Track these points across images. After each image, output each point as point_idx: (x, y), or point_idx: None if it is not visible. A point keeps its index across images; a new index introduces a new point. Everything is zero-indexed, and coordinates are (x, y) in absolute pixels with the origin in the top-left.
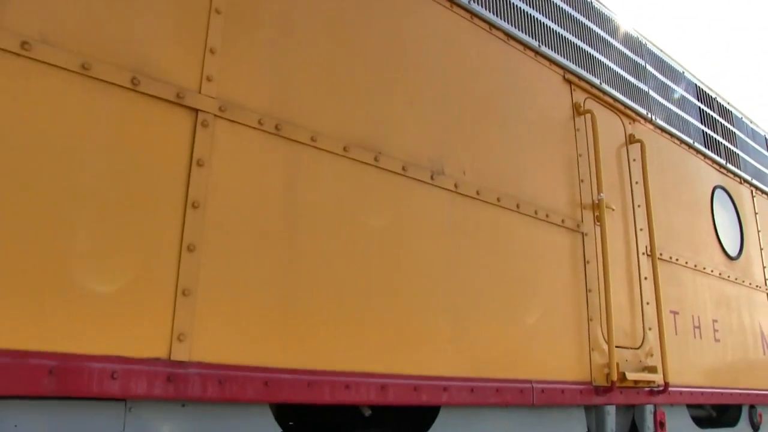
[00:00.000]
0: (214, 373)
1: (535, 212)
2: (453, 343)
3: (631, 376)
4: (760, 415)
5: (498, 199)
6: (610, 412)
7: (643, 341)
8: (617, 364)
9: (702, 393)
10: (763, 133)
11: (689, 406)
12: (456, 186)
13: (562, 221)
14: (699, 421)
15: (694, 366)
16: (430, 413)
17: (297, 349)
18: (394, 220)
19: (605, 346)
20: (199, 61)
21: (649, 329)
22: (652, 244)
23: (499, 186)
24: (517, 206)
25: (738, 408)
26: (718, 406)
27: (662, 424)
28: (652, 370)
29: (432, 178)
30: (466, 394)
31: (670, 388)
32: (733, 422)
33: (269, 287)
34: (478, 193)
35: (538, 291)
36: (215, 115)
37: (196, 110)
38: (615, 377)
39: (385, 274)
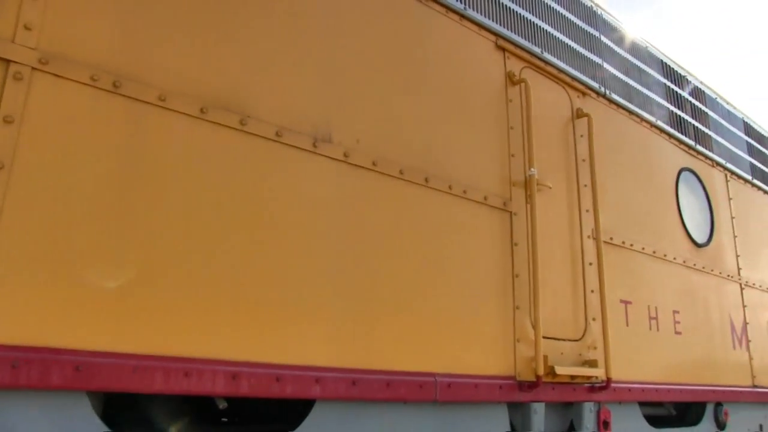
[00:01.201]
0: (7, 356)
1: (449, 188)
2: (335, 328)
3: (563, 370)
4: (726, 413)
5: (401, 172)
6: (538, 410)
7: (584, 333)
8: (545, 357)
9: (657, 390)
10: (740, 116)
11: (645, 405)
12: (346, 155)
13: (485, 198)
14: (657, 421)
15: (649, 361)
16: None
17: (121, 330)
18: (265, 191)
19: (534, 337)
20: (14, 7)
21: (593, 320)
22: (597, 226)
23: (404, 158)
24: (426, 180)
25: (702, 406)
26: (682, 404)
27: (606, 424)
28: (593, 364)
29: (315, 145)
30: (345, 387)
31: (614, 385)
32: (696, 421)
33: (95, 257)
34: (374, 164)
35: (451, 274)
36: (33, 68)
37: (8, 61)
38: (541, 371)
39: (248, 248)
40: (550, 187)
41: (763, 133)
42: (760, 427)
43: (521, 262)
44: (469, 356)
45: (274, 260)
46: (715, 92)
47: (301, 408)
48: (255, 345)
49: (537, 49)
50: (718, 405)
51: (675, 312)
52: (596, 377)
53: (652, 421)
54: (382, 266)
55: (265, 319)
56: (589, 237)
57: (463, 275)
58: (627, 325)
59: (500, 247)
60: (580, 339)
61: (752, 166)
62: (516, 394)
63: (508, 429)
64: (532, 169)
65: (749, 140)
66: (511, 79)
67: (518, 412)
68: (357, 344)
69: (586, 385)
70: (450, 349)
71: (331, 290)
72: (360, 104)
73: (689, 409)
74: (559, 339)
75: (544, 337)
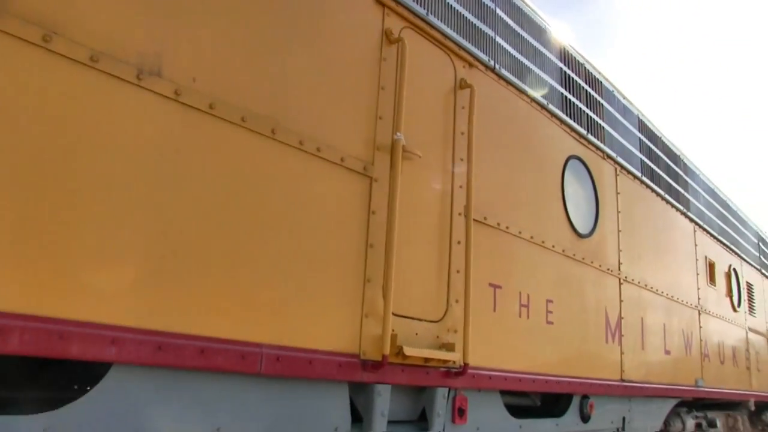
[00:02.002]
0: None
1: (300, 143)
2: (143, 285)
3: (413, 351)
4: (591, 406)
5: (243, 119)
6: (382, 392)
7: (445, 314)
8: (394, 336)
9: (520, 380)
10: (636, 112)
11: (508, 394)
12: (177, 93)
13: (341, 160)
14: (521, 411)
15: (516, 349)
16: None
17: None
18: (74, 123)
19: (391, 315)
20: None
21: (456, 301)
22: (469, 203)
23: (249, 104)
24: (273, 132)
25: (569, 397)
26: (550, 395)
27: (462, 411)
28: (450, 348)
29: (139, 78)
30: (149, 352)
31: (472, 371)
32: (561, 413)
33: None
34: (211, 107)
35: (293, 238)
36: None
37: None
38: (387, 351)
39: (37, 183)
40: (420, 156)
41: (655, 131)
42: (623, 419)
43: (377, 233)
44: (308, 329)
45: (67, 198)
46: (612, 85)
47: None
48: (33, 296)
49: (422, 10)
50: (585, 397)
51: (548, 301)
52: (452, 362)
53: (515, 410)
54: (211, 222)
55: (48, 267)
56: (460, 214)
57: (308, 240)
58: (494, 311)
59: (355, 213)
60: (440, 320)
61: (642, 163)
62: (358, 374)
63: (348, 410)
64: (398, 134)
65: (642, 137)
66: (388, 38)
67: (362, 393)
68: (169, 305)
69: (442, 369)
70: (284, 320)
71: (143, 242)
72: (202, 41)
73: (555, 401)
74: (414, 318)
75: (397, 315)
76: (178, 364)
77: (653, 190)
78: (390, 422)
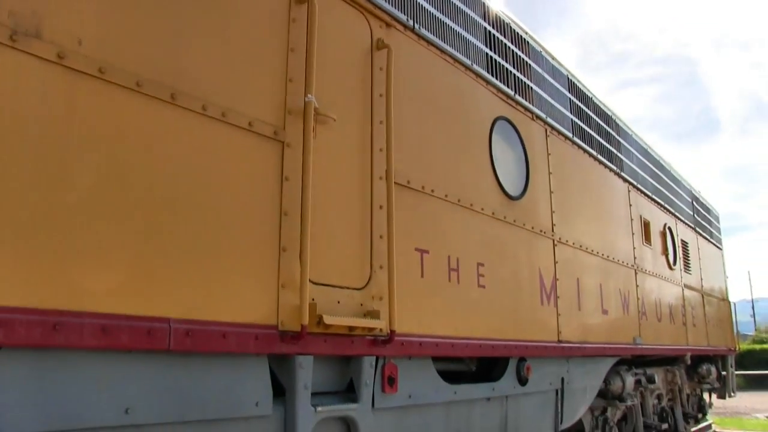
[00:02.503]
0: None
1: (203, 108)
2: (30, 261)
3: (334, 320)
4: (528, 368)
5: (138, 84)
6: (304, 364)
7: (369, 281)
8: (313, 305)
9: (453, 345)
10: (565, 72)
11: (442, 360)
12: (61, 57)
13: (249, 125)
14: (456, 377)
15: (448, 314)
16: None
17: None
18: None
19: (308, 284)
20: None
21: (380, 267)
22: (389, 167)
23: (145, 69)
24: (172, 97)
25: (505, 361)
26: (486, 359)
27: (392, 380)
28: (375, 315)
29: (12, 39)
30: (43, 332)
31: (401, 338)
32: (498, 377)
33: None
34: (101, 71)
35: (199, 208)
36: None
37: None
38: (306, 320)
39: None
40: (335, 119)
41: (586, 92)
42: (562, 380)
43: (292, 200)
44: (222, 302)
45: None
46: (540, 45)
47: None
48: None
49: None
50: (521, 360)
51: (479, 264)
52: (379, 329)
53: (450, 377)
54: (106, 193)
55: None
56: (381, 178)
57: (216, 209)
58: (422, 276)
59: (267, 180)
60: (364, 288)
61: (574, 124)
62: (277, 346)
63: (268, 384)
64: (309, 96)
65: (572, 98)
66: None
67: (284, 366)
68: (63, 283)
69: (368, 338)
70: (195, 293)
71: (28, 214)
72: (85, 3)
73: (491, 365)
74: (336, 286)
75: (316, 284)
76: (78, 344)
77: (585, 151)
78: (317, 394)
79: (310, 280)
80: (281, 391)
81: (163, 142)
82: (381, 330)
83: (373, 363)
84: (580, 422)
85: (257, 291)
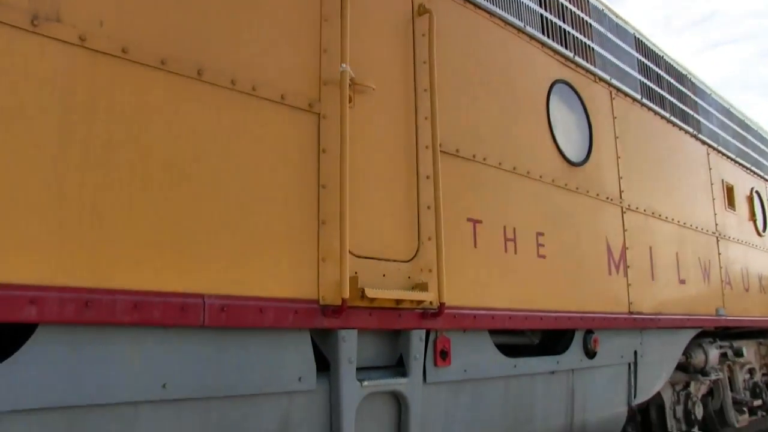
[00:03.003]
0: None
1: (232, 83)
2: (60, 239)
3: (376, 293)
4: (596, 341)
5: (163, 62)
6: (347, 338)
7: (416, 253)
8: (355, 278)
9: (510, 317)
10: (631, 31)
11: (501, 333)
12: (83, 39)
13: (282, 97)
14: (517, 350)
15: (504, 286)
16: None
17: None
18: None
19: (348, 256)
20: None
21: (428, 239)
22: (435, 135)
23: (169, 46)
24: (199, 73)
25: (570, 334)
26: (548, 331)
27: (444, 353)
28: (423, 287)
29: (33, 23)
30: (76, 310)
31: (453, 311)
32: (562, 350)
33: None
34: (125, 51)
35: (233, 184)
36: None
37: None
38: (346, 294)
39: None
40: (374, 88)
41: (656, 50)
42: (635, 353)
43: (329, 172)
44: (259, 277)
45: None
46: (602, 3)
47: None
48: None
49: None
50: (588, 332)
51: (539, 234)
52: (428, 302)
53: (512, 350)
54: (139, 172)
55: None
56: (427, 148)
57: (251, 183)
58: (475, 247)
59: (303, 153)
60: (411, 260)
61: (642, 85)
62: (318, 320)
63: (311, 359)
64: (344, 65)
65: (640, 57)
66: None
67: (327, 340)
68: (95, 260)
69: (417, 311)
70: (232, 269)
71: (57, 194)
72: None
73: (556, 338)
74: (381, 259)
75: (359, 257)
76: (110, 320)
77: (656, 113)
78: (365, 369)
79: (352, 254)
80: (328, 366)
81: (192, 119)
82: (431, 303)
83: (423, 337)
84: (659, 396)
85: (296, 265)
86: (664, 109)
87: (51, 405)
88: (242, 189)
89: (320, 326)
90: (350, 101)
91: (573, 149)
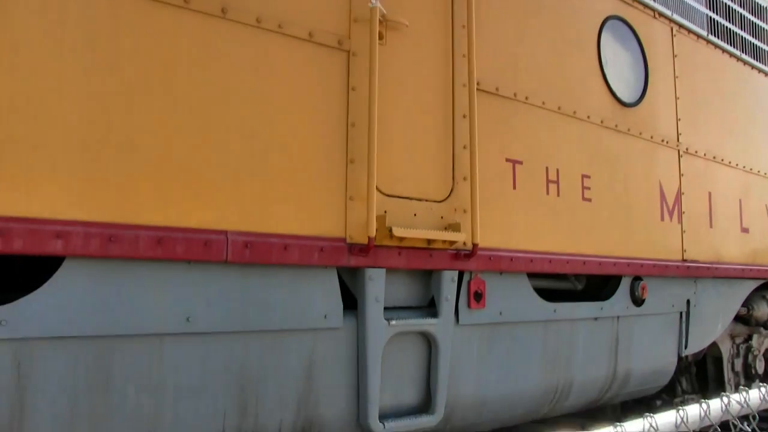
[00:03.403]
0: None
1: (257, 21)
2: (85, 176)
3: (404, 232)
4: (644, 288)
5: (186, 1)
6: (374, 276)
7: (451, 193)
8: (382, 217)
9: (550, 261)
10: None
11: (543, 277)
12: None
13: (310, 35)
14: (559, 295)
15: (544, 228)
16: None
17: None
18: None
19: (377, 195)
20: None
21: (464, 179)
22: (471, 73)
23: None
24: (223, 11)
25: (617, 280)
26: (594, 277)
27: (478, 295)
28: (456, 228)
29: None
30: (100, 244)
31: (487, 252)
32: (607, 296)
33: None
34: None
35: (261, 120)
36: None
37: None
38: (373, 232)
39: None
40: (407, 25)
41: None
42: (688, 302)
43: (359, 110)
44: (284, 214)
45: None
46: None
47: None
48: None
49: None
50: (636, 279)
51: (584, 176)
52: (463, 243)
53: (553, 295)
54: (162, 109)
55: None
56: (464, 86)
57: (278, 122)
58: (514, 188)
59: (332, 91)
60: (445, 200)
61: (709, 20)
62: (345, 259)
63: (338, 297)
64: (374, 1)
65: None
66: None
67: (356, 279)
68: (120, 196)
69: (450, 251)
70: (255, 206)
71: (85, 134)
72: None
73: (602, 285)
74: (412, 198)
75: (389, 195)
76: (133, 254)
77: (724, 51)
78: (396, 308)
79: (382, 192)
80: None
81: (217, 58)
82: (464, 243)
83: (455, 278)
84: (716, 348)
85: (323, 203)
86: (735, 46)
87: (77, 334)
88: (268, 128)
89: (347, 264)
90: (382, 38)
91: (626, 89)
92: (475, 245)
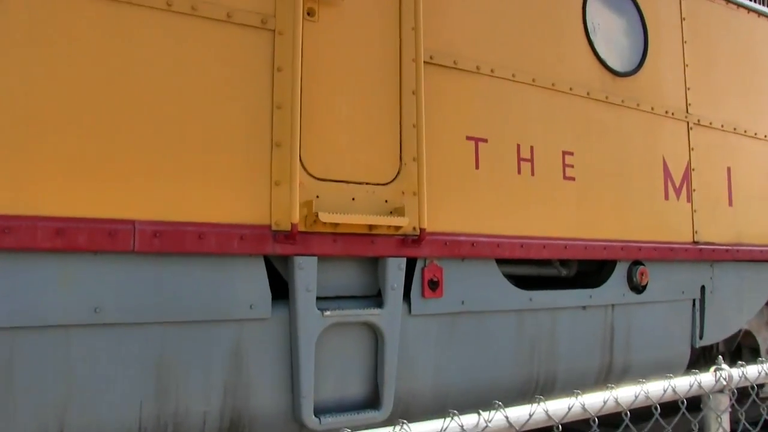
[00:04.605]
0: None
1: (169, 5)
2: None
3: (331, 217)
4: (642, 273)
5: None
6: (304, 265)
7: (397, 175)
8: (307, 203)
9: (521, 245)
10: None
11: (522, 263)
12: None
13: (228, 16)
14: (542, 282)
15: (515, 210)
16: None
17: None
18: None
19: (306, 179)
20: None
21: (413, 160)
22: (418, 46)
23: None
24: None
25: (612, 265)
26: (585, 263)
27: (434, 283)
28: (400, 212)
29: None
30: None
31: (444, 237)
32: (598, 283)
33: None
34: None
35: (176, 104)
36: None
37: None
38: (296, 219)
39: None
40: None
41: None
42: (702, 288)
43: (285, 91)
44: (201, 202)
45: None
46: None
47: None
48: None
49: None
50: (635, 264)
51: (566, 153)
52: (409, 228)
53: (538, 283)
54: (60, 94)
55: None
56: (413, 61)
57: (195, 105)
58: (477, 168)
59: (255, 73)
60: (390, 183)
61: None
62: (270, 247)
63: (266, 286)
64: None
65: None
66: None
67: (286, 268)
68: (16, 187)
69: (397, 237)
70: (168, 194)
71: None
72: None
73: (596, 271)
74: (350, 182)
75: (324, 180)
76: (31, 246)
77: (751, 10)
78: (339, 298)
79: (313, 176)
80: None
81: (128, 42)
82: (414, 228)
83: (403, 265)
84: (752, 338)
85: (246, 190)
86: (760, 2)
87: None
88: (183, 114)
89: (273, 253)
90: (314, 15)
91: (619, 58)
92: (422, 230)
